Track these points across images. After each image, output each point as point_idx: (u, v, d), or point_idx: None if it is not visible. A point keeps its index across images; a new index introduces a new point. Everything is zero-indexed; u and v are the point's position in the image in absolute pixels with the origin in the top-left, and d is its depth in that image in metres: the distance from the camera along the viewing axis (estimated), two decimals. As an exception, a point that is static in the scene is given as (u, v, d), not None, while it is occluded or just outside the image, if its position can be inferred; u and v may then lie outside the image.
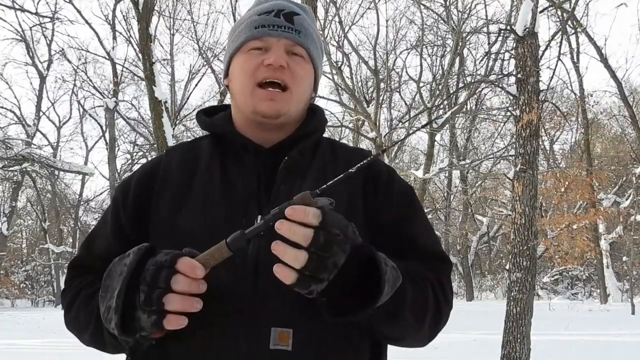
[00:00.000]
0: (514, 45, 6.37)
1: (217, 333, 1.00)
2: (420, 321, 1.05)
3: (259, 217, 1.06)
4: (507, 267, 6.48)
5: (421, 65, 21.38)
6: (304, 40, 1.18)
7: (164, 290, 0.91)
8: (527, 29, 6.06)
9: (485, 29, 17.11)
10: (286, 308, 1.00)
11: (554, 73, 9.97)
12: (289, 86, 1.14)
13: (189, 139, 1.34)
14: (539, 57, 6.40)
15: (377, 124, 17.60)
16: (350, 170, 0.94)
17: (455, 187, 25.85)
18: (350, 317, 0.94)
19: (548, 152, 23.34)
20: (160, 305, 0.91)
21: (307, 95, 1.20)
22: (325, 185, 0.91)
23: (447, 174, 23.81)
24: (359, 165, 0.94)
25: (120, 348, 1.04)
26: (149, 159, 1.34)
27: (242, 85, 1.16)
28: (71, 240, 29.45)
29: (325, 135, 1.27)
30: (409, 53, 22.14)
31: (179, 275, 0.91)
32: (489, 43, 16.97)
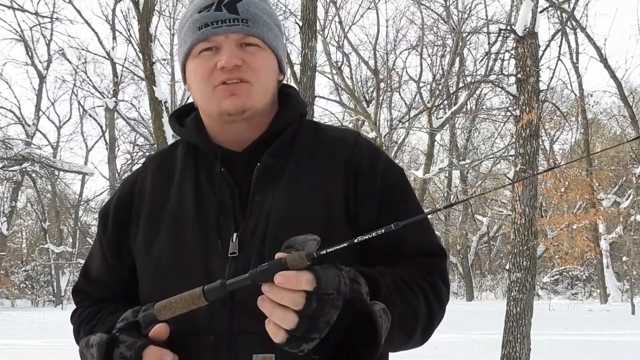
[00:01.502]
0: (514, 45, 6.37)
1: None
2: (411, 334, 1.00)
3: (235, 234, 1.02)
4: (507, 267, 6.48)
5: (421, 65, 21.41)
6: (255, 29, 1.08)
7: None
8: (527, 29, 6.07)
9: (485, 29, 17.12)
10: (266, 335, 0.94)
11: (553, 73, 9.99)
12: (249, 81, 1.07)
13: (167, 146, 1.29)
14: (539, 57, 6.40)
15: (377, 124, 17.60)
16: (353, 240, 0.85)
17: (455, 187, 25.83)
18: None
19: (548, 152, 23.33)
20: None
21: (272, 83, 1.13)
22: (324, 251, 0.83)
23: (447, 174, 23.79)
24: (365, 236, 0.84)
25: None
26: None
27: (200, 91, 1.10)
28: (71, 240, 29.44)
29: None
30: (409, 53, 22.16)
31: None
32: (489, 43, 16.97)
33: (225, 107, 1.07)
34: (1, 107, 25.47)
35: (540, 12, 6.64)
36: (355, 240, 0.84)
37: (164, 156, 1.20)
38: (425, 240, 1.10)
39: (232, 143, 1.11)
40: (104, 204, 1.25)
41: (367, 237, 0.84)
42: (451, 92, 19.43)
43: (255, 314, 0.92)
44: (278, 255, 0.84)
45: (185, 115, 1.20)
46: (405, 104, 23.34)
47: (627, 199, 21.08)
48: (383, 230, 0.84)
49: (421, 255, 1.07)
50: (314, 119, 8.57)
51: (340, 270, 0.86)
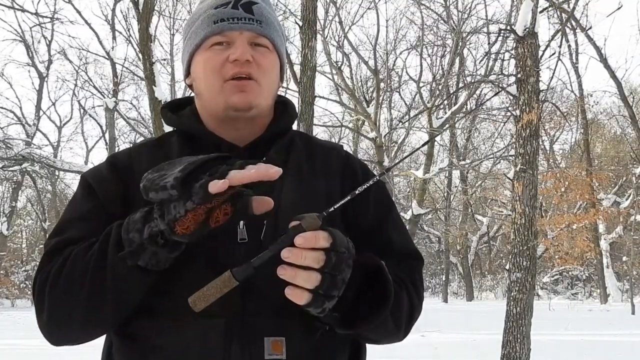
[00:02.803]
0: (514, 45, 6.37)
1: (209, 347, 0.99)
2: (399, 325, 1.07)
3: (241, 222, 1.03)
4: (507, 267, 6.48)
5: (421, 65, 21.42)
6: (267, 31, 1.13)
7: (226, 170, 0.90)
8: (527, 29, 6.06)
9: (485, 29, 17.12)
10: (277, 317, 0.99)
11: (553, 73, 9.97)
12: (257, 79, 1.09)
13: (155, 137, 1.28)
14: (539, 57, 6.40)
15: (377, 124, 17.59)
16: (354, 192, 0.94)
17: (455, 187, 25.83)
18: (361, 327, 0.95)
19: (548, 152, 23.33)
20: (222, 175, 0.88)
21: (276, 86, 1.16)
22: (332, 208, 0.91)
23: (447, 174, 23.78)
24: (364, 186, 0.95)
25: (120, 278, 0.94)
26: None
27: (209, 83, 1.11)
28: (71, 240, 29.42)
29: (324, 134, 1.24)
30: (409, 53, 22.19)
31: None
32: (489, 43, 16.99)
33: (233, 101, 1.09)
34: (2, 108, 25.51)
35: (540, 12, 6.63)
36: (350, 196, 0.93)
37: (157, 144, 1.16)
38: (407, 244, 1.19)
39: (231, 140, 1.12)
40: (89, 170, 1.14)
41: (362, 189, 0.94)
42: (451, 92, 19.43)
43: (266, 297, 0.98)
44: (292, 224, 0.90)
45: (178, 109, 1.20)
46: (405, 104, 23.36)
47: (627, 199, 21.07)
48: (357, 192, 0.93)
49: (404, 256, 1.16)
50: (314, 119, 8.56)
51: (344, 234, 0.95)
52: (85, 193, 1.09)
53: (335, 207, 0.91)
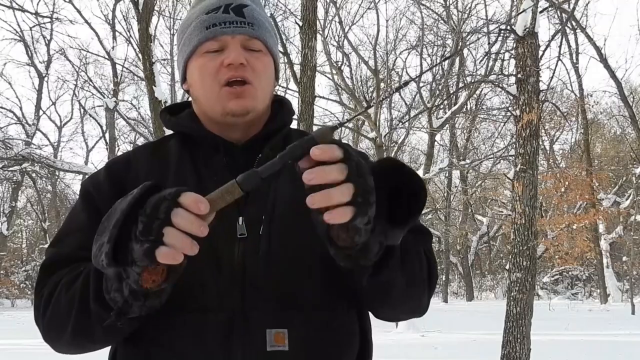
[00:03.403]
0: (514, 45, 6.38)
1: (210, 341, 0.99)
2: (422, 269, 1.06)
3: (240, 218, 1.04)
4: (507, 267, 6.49)
5: (421, 65, 21.37)
6: (259, 33, 1.14)
7: (163, 222, 0.83)
8: (527, 29, 6.07)
9: (485, 29, 17.09)
10: (278, 310, 0.99)
11: (553, 73, 9.97)
12: (252, 82, 1.11)
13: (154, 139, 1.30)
14: (539, 57, 6.40)
15: (377, 124, 17.58)
16: (341, 122, 0.93)
17: (455, 187, 25.85)
18: (404, 227, 0.91)
19: (548, 152, 23.33)
20: (158, 236, 0.83)
21: (271, 87, 1.18)
22: (346, 120, 0.93)
23: (447, 174, 23.79)
24: (350, 118, 0.95)
25: (108, 328, 0.95)
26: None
27: (205, 89, 1.12)
28: (71, 240, 29.43)
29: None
30: (409, 53, 22.12)
31: (180, 209, 0.84)
32: (489, 43, 16.95)
33: (230, 107, 1.10)
34: (2, 107, 25.51)
35: (540, 12, 6.64)
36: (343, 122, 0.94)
37: (155, 147, 1.19)
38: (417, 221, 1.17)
39: (229, 139, 1.14)
40: (88, 176, 1.16)
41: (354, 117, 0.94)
42: (451, 92, 19.43)
43: (267, 289, 0.97)
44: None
45: (177, 112, 1.22)
46: (405, 104, 23.32)
47: (627, 199, 21.07)
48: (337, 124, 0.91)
49: (415, 231, 1.11)
50: (314, 119, 8.58)
51: None
52: (84, 202, 1.11)
53: (349, 119, 0.90)
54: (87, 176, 1.18)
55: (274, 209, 1.06)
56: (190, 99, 1.21)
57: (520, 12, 6.18)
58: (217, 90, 1.10)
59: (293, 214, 1.03)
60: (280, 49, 7.29)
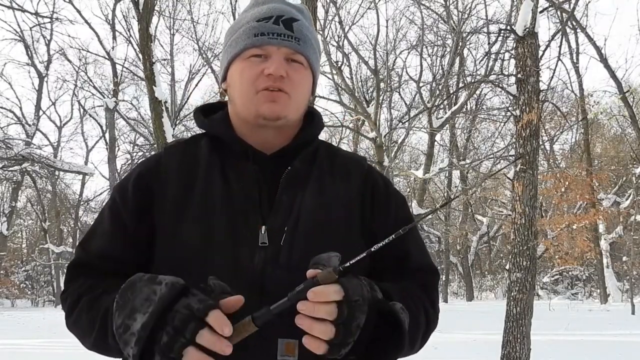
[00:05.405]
0: (514, 45, 6.37)
1: None
2: (413, 344, 1.11)
3: (263, 227, 1.08)
4: (507, 267, 6.49)
5: (421, 65, 21.38)
6: (304, 48, 1.18)
7: (187, 342, 0.90)
8: (527, 29, 6.06)
9: (485, 29, 17.10)
10: (291, 320, 1.00)
11: (554, 73, 9.96)
12: (288, 92, 1.15)
13: (185, 137, 1.33)
14: (539, 57, 6.40)
15: (377, 124, 17.57)
16: (371, 249, 0.96)
17: (456, 187, 25.84)
18: None
19: (548, 152, 23.33)
20: (179, 356, 0.91)
21: (306, 100, 1.22)
22: (348, 264, 0.94)
23: (447, 174, 23.79)
24: (379, 245, 0.97)
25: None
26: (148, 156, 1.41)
27: (242, 92, 1.16)
28: (71, 240, 29.43)
29: (324, 134, 1.26)
30: (409, 53, 22.12)
31: (205, 331, 0.91)
32: (489, 43, 16.96)
33: (263, 110, 1.14)
34: (1, 107, 25.51)
35: (540, 12, 6.63)
36: (373, 249, 0.96)
37: (187, 146, 1.22)
38: (425, 259, 1.24)
39: (259, 146, 1.18)
40: (120, 181, 1.22)
41: (380, 246, 0.96)
42: (451, 92, 19.43)
43: (282, 293, 1.00)
44: (309, 273, 0.95)
45: (209, 112, 1.26)
46: (405, 104, 23.34)
47: (627, 199, 21.07)
48: (393, 236, 0.96)
49: (421, 271, 1.21)
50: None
51: (361, 279, 0.99)
52: (110, 210, 1.18)
53: (352, 262, 0.94)
54: (121, 178, 1.24)
55: (297, 220, 1.10)
56: (226, 98, 1.26)
57: (520, 13, 6.18)
58: (254, 93, 1.14)
59: (315, 227, 1.10)
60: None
